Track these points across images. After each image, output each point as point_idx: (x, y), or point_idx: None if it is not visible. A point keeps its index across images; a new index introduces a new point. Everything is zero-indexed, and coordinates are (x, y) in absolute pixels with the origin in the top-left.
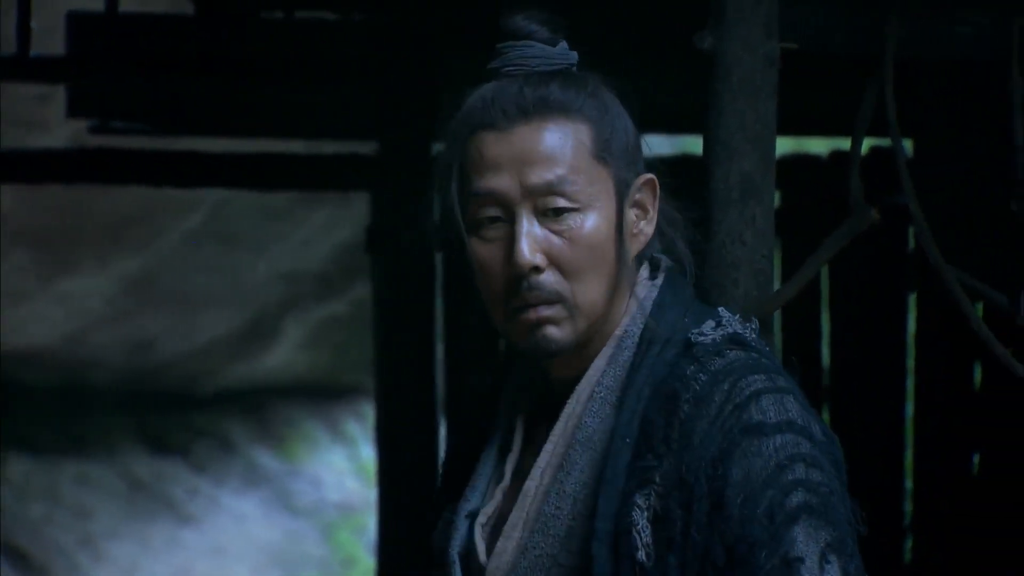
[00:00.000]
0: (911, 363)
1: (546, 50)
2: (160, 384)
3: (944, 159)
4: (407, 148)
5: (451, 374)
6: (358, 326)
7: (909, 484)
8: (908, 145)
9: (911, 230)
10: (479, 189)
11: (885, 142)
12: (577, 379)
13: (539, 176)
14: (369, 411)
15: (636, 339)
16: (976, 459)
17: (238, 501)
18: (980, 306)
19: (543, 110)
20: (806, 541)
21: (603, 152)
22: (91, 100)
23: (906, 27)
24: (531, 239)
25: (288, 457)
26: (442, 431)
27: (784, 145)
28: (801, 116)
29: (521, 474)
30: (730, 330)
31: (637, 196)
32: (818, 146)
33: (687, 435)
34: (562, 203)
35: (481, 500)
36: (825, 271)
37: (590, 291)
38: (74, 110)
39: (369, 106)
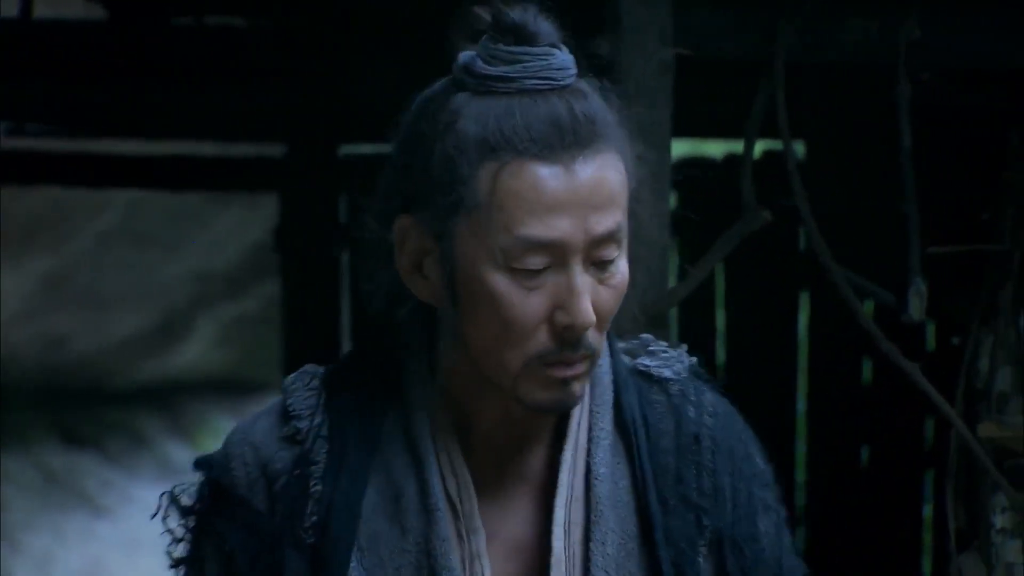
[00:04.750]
0: (803, 359)
1: (566, 59)
2: (74, 380)
3: (834, 162)
4: (314, 150)
5: None
6: (267, 324)
7: (801, 476)
8: (799, 148)
9: (802, 231)
10: (536, 237)
11: (777, 145)
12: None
13: (603, 225)
14: None
15: (611, 373)
16: (865, 452)
17: (150, 493)
18: (869, 303)
19: (596, 140)
20: None
21: (630, 184)
22: (5, 103)
23: (796, 33)
24: (588, 295)
25: (199, 450)
26: None
27: (680, 148)
28: (696, 120)
29: (495, 524)
30: (686, 361)
31: None
32: (713, 149)
33: (718, 488)
34: (614, 253)
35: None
36: (720, 270)
37: (604, 338)
38: None
39: (277, 110)
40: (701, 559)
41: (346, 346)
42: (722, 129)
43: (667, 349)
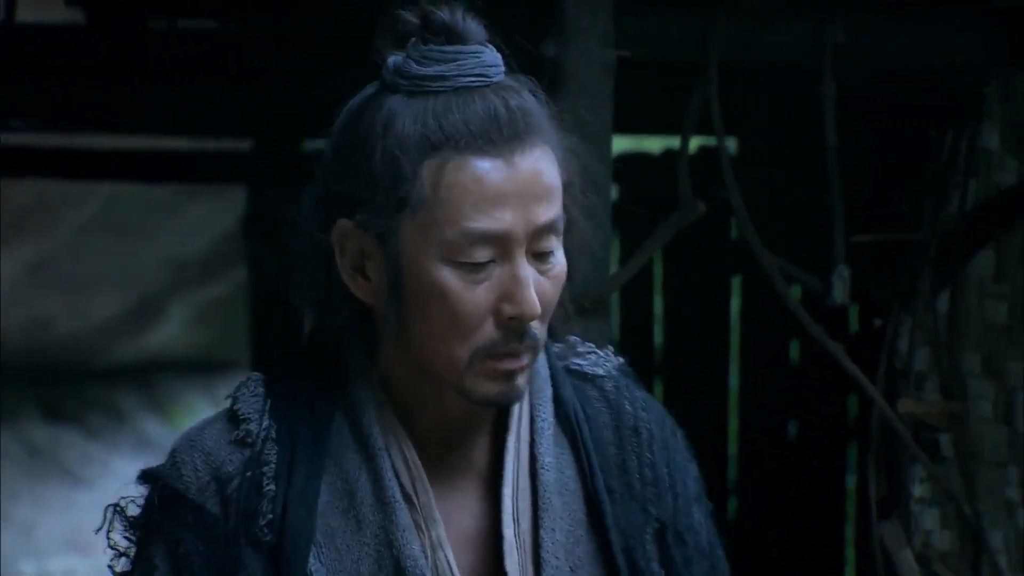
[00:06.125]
0: (735, 341)
1: (495, 57)
2: (57, 360)
3: (764, 156)
4: (279, 145)
5: None
6: (236, 307)
7: (733, 450)
8: (732, 144)
9: (734, 221)
10: (481, 229)
11: (711, 141)
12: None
13: (545, 215)
14: None
15: (546, 367)
16: (793, 427)
17: (128, 466)
18: (796, 288)
19: (531, 133)
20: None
21: (563, 178)
22: None
23: (730, 35)
24: (532, 285)
25: (174, 425)
26: None
27: (621, 144)
28: (636, 117)
29: (448, 519)
30: (614, 360)
31: None
32: (652, 145)
33: (659, 479)
34: (553, 244)
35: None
36: (658, 258)
37: (546, 330)
38: None
39: (245, 106)
40: (648, 547)
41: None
42: (660, 126)
43: (595, 350)
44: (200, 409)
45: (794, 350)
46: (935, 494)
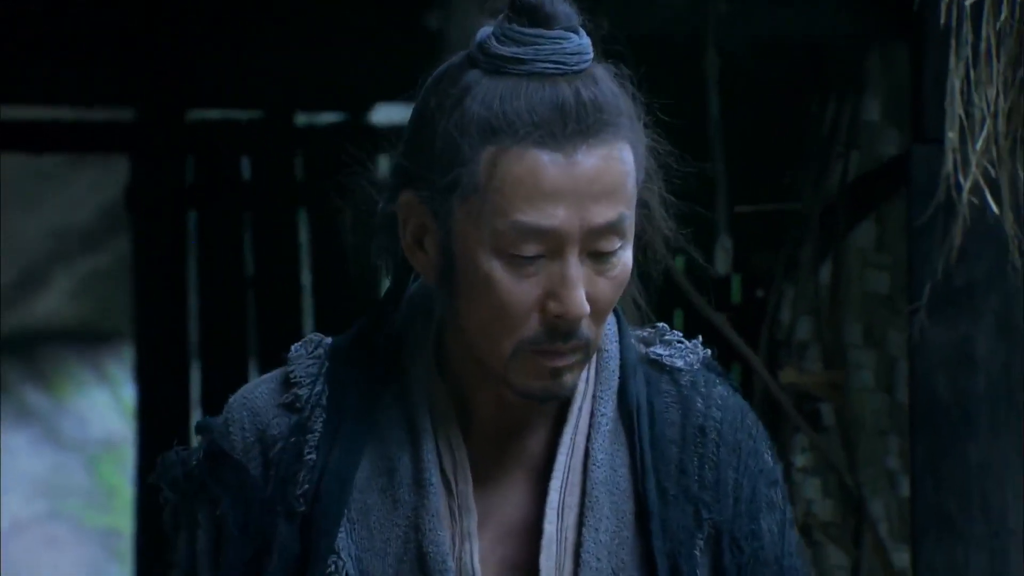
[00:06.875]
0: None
1: (582, 44)
2: None
3: (647, 127)
4: (162, 115)
5: (204, 321)
6: (119, 278)
7: None
8: None
9: None
10: (531, 224)
11: None
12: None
13: (603, 216)
14: (130, 354)
15: (618, 359)
16: None
17: (10, 437)
18: (679, 258)
19: (601, 128)
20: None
21: (639, 175)
22: None
23: (615, 5)
24: (582, 286)
25: (56, 396)
26: (193, 373)
27: None
28: None
29: (489, 506)
30: (700, 352)
31: None
32: None
33: (721, 482)
34: (616, 244)
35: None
36: None
37: (604, 328)
38: None
39: (128, 76)
40: (698, 552)
41: (193, 297)
42: None
43: (683, 339)
44: (83, 380)
45: (677, 320)
46: (816, 463)
